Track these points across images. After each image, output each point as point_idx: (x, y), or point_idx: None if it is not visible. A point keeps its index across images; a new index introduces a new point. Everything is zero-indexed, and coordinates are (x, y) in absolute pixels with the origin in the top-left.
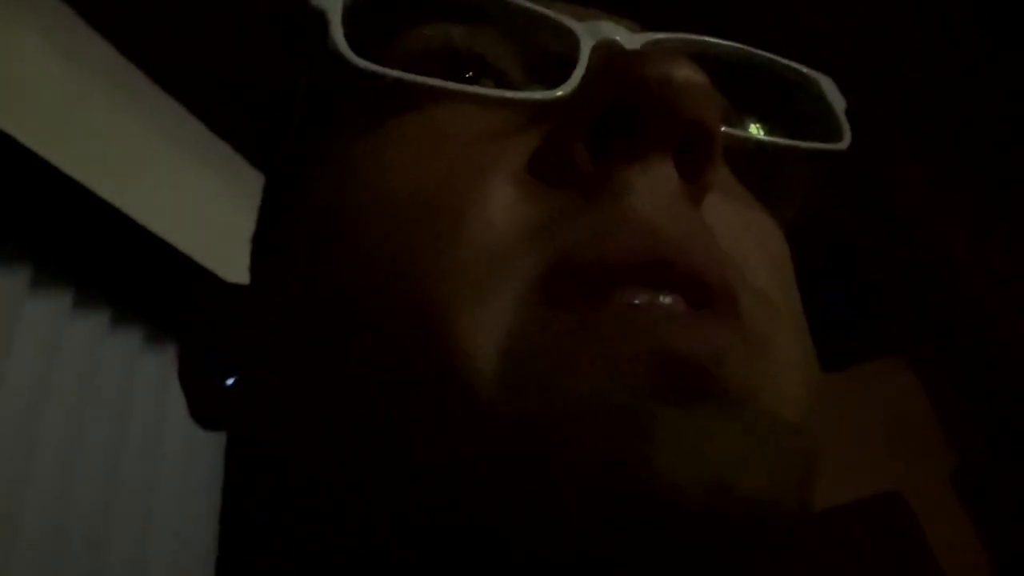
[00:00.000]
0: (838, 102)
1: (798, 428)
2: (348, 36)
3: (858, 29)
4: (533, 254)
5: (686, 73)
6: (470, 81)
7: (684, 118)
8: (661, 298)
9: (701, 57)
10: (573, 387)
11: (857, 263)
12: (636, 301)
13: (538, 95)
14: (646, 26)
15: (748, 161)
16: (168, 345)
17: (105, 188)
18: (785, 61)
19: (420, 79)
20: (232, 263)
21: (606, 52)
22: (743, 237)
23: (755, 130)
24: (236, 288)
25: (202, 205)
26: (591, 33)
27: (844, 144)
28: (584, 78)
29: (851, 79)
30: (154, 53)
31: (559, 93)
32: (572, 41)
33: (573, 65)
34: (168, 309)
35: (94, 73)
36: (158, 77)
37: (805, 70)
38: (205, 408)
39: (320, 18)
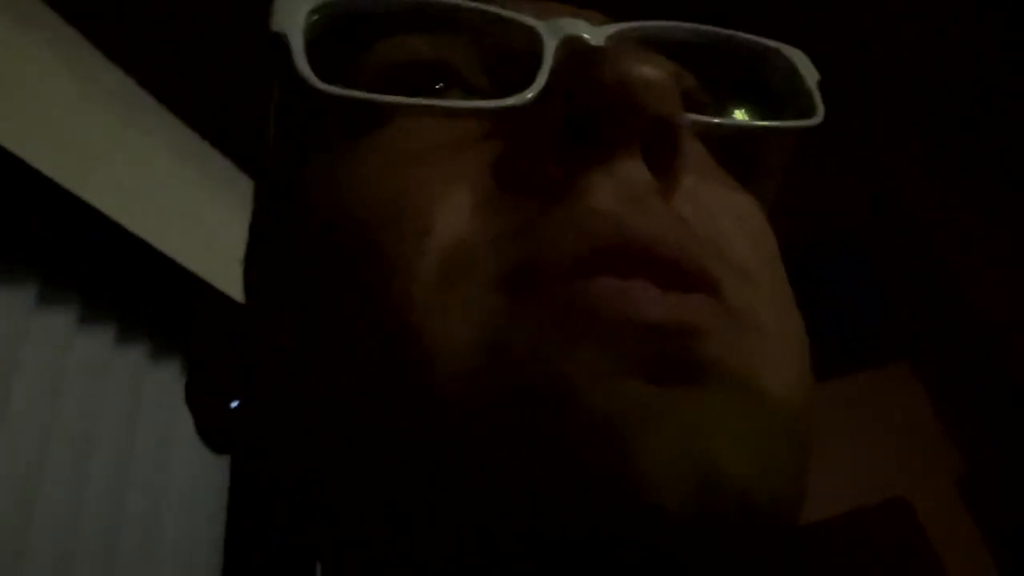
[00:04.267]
0: (811, 76)
1: (792, 409)
2: (311, 56)
3: (873, 29)
4: (497, 257)
5: (642, 71)
6: (439, 92)
7: (645, 115)
8: (632, 282)
9: (666, 42)
10: (546, 371)
11: (866, 270)
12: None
13: (497, 103)
14: (616, 15)
15: (724, 141)
16: (173, 360)
17: (110, 205)
18: (752, 37)
19: (381, 98)
20: (237, 280)
21: (568, 50)
22: (722, 218)
23: (738, 113)
24: (238, 307)
25: (207, 222)
26: (553, 31)
27: (817, 119)
28: (549, 80)
29: (864, 82)
30: (160, 74)
31: (528, 96)
32: (535, 40)
33: (537, 65)
34: (173, 324)
35: (99, 93)
36: (163, 97)
37: (773, 44)
38: (212, 430)
39: (282, 41)
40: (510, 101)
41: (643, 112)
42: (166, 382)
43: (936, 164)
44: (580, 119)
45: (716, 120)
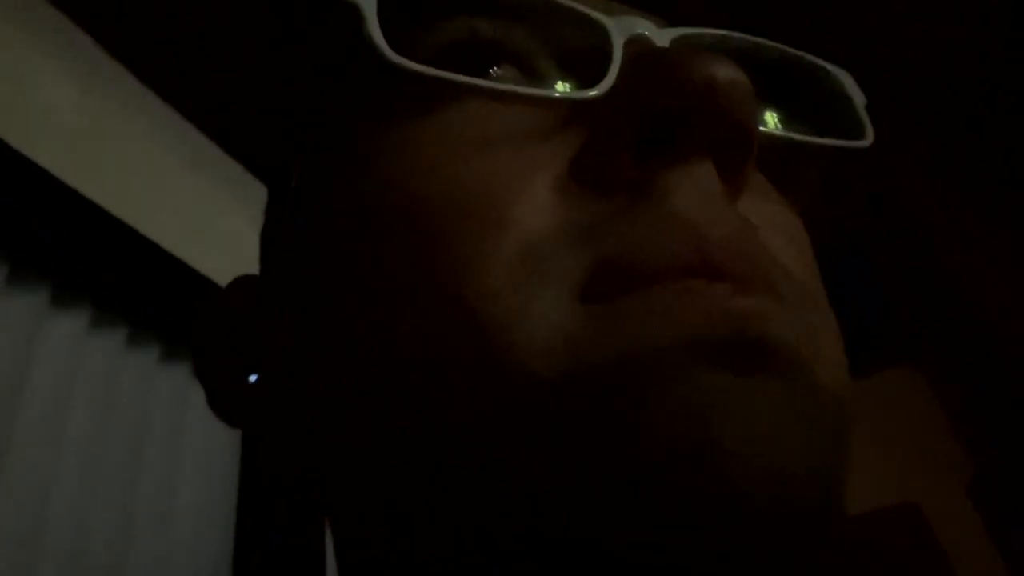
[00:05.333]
0: (859, 98)
1: (844, 406)
2: (382, 30)
3: (877, 30)
4: (575, 256)
5: (730, 74)
6: (499, 75)
7: (729, 119)
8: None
9: (726, 52)
10: (629, 368)
11: (871, 273)
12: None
13: (573, 94)
14: (667, 20)
15: (769, 154)
16: (184, 362)
17: (122, 209)
18: (807, 56)
19: (459, 77)
20: None
21: (640, 50)
22: (775, 233)
23: (772, 121)
24: (249, 281)
25: (219, 225)
26: (621, 28)
27: (867, 141)
28: (619, 76)
29: (867, 82)
30: (168, 76)
31: (595, 92)
32: (603, 36)
33: (605, 60)
34: (184, 327)
35: (110, 96)
36: (171, 99)
37: (827, 65)
38: (227, 404)
39: (354, 12)
40: (588, 93)
41: (727, 116)
42: (177, 385)
43: (937, 164)
44: (657, 117)
45: (775, 133)
